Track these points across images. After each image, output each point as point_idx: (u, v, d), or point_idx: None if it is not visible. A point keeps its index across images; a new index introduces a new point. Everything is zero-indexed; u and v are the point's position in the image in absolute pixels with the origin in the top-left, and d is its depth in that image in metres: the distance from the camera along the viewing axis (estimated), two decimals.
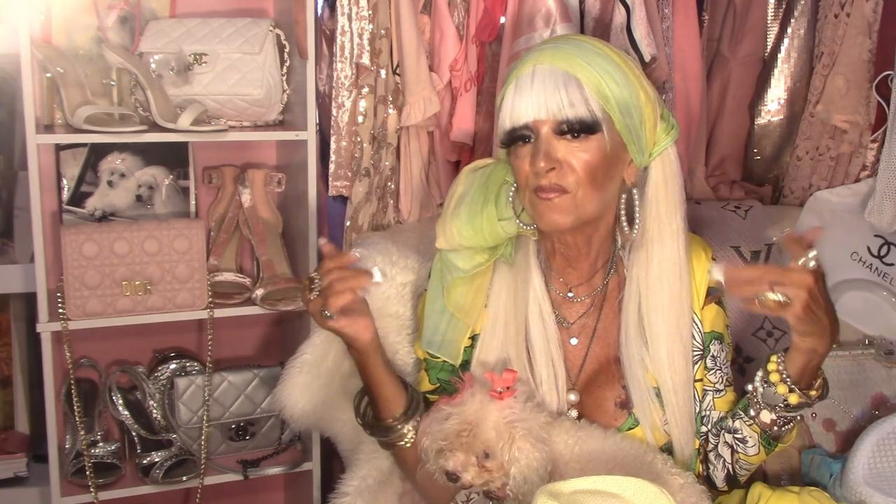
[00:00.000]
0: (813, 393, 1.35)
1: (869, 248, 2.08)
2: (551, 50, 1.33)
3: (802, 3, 2.14)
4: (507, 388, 1.32)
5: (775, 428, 1.37)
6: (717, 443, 1.46)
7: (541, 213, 1.34)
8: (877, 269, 2.06)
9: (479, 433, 1.31)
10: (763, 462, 1.44)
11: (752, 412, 1.38)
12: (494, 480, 1.33)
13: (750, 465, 1.44)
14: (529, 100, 1.31)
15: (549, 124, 1.31)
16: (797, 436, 1.86)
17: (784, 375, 1.33)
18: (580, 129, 1.31)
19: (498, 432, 1.30)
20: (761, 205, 2.15)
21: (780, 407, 1.35)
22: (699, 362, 1.46)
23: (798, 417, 1.38)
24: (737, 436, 1.41)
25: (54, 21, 1.99)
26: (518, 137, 1.34)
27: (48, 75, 1.92)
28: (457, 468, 1.32)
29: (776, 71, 2.18)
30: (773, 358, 1.35)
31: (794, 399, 1.34)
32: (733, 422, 1.42)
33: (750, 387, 1.39)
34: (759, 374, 1.37)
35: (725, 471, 1.45)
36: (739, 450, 1.42)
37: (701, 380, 1.47)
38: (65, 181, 2.07)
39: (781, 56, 2.17)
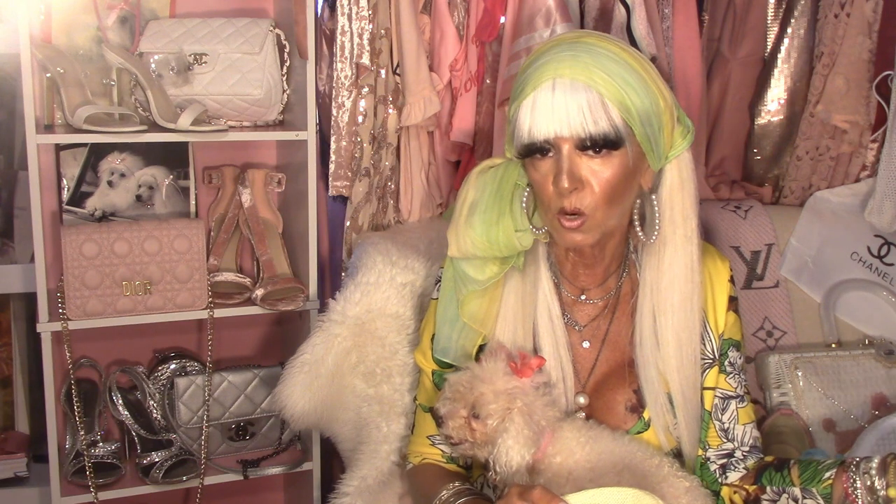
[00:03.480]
0: None
1: (869, 248, 2.08)
2: (570, 59, 1.27)
3: (802, 3, 2.14)
4: (529, 367, 1.32)
5: None
6: (778, 500, 1.40)
7: (563, 236, 1.33)
8: (877, 269, 2.06)
9: (475, 387, 1.32)
10: None
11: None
12: (475, 444, 1.33)
13: None
14: (550, 115, 1.27)
15: (571, 141, 1.27)
16: (797, 437, 1.87)
17: None
18: (603, 145, 1.27)
19: (495, 396, 1.31)
20: (761, 205, 2.15)
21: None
22: (708, 370, 1.44)
23: None
24: None
25: (54, 21, 1.99)
26: (536, 150, 1.30)
27: (48, 75, 1.92)
28: (445, 414, 1.34)
29: (776, 71, 2.18)
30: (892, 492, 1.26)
31: None
32: (805, 497, 1.35)
33: (847, 485, 1.30)
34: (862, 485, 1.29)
35: None
36: None
37: (713, 388, 1.45)
38: (65, 181, 2.07)
39: (781, 56, 2.17)
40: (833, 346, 2.01)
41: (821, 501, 1.33)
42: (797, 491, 1.36)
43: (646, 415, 1.41)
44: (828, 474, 1.32)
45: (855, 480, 1.29)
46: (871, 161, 2.14)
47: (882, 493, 1.25)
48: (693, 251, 1.40)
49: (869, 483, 1.27)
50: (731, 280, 1.48)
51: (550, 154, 1.30)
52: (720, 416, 1.45)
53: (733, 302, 1.47)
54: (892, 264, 2.05)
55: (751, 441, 1.46)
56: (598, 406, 1.43)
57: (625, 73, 1.27)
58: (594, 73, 1.26)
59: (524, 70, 1.33)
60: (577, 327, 1.45)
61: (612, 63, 1.27)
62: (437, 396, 1.48)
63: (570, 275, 1.46)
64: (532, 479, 1.31)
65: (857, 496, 1.28)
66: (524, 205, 1.39)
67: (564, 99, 1.26)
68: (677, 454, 1.43)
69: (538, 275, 1.44)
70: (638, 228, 1.39)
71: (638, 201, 1.39)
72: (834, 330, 2.05)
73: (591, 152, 1.28)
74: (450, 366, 1.49)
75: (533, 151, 1.31)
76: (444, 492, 1.39)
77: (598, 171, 1.29)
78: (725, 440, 1.45)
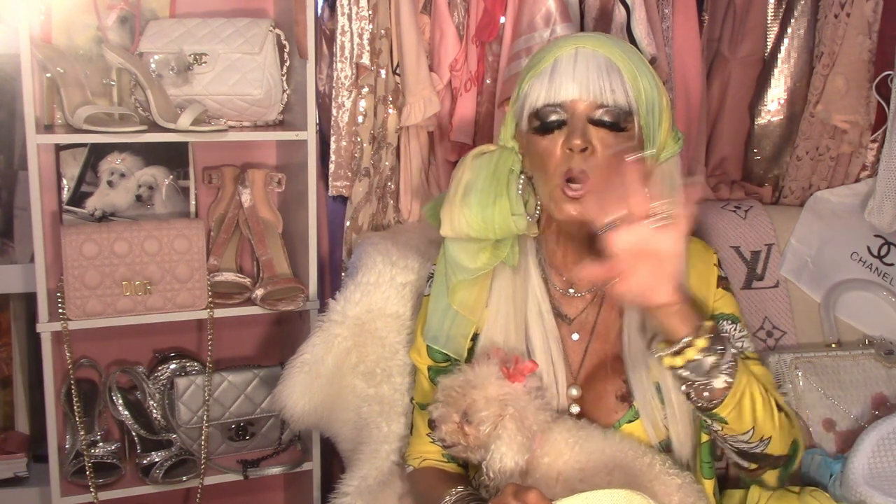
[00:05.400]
0: (700, 342, 1.24)
1: (869, 248, 2.07)
2: (592, 37, 1.36)
3: (802, 3, 2.14)
4: (520, 372, 1.32)
5: (704, 394, 1.27)
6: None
7: (563, 208, 1.35)
8: (877, 269, 2.06)
9: (468, 394, 1.33)
10: (750, 431, 1.33)
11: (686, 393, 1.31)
12: (468, 448, 1.34)
13: (735, 437, 1.35)
14: (571, 78, 1.32)
15: (587, 107, 1.33)
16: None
17: (662, 350, 1.26)
18: (613, 121, 1.32)
19: (487, 401, 1.31)
20: (761, 205, 2.15)
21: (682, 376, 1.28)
22: None
23: (704, 379, 1.27)
24: (700, 417, 1.37)
25: (54, 21, 1.99)
26: (548, 120, 1.34)
27: (48, 75, 1.92)
28: (437, 418, 1.35)
29: (776, 71, 2.18)
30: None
31: (668, 361, 1.26)
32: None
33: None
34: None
35: (733, 449, 1.40)
36: (713, 430, 1.36)
37: None
38: (65, 181, 2.07)
39: (781, 56, 2.17)
40: (833, 346, 2.01)
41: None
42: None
43: (636, 404, 1.42)
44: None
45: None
46: (871, 161, 2.14)
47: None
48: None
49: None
50: (718, 264, 1.50)
51: (560, 123, 1.34)
52: None
53: (723, 281, 1.49)
54: (892, 264, 2.05)
55: None
56: (590, 397, 1.44)
57: (638, 61, 1.36)
58: (614, 50, 1.34)
59: (540, 52, 1.39)
60: (566, 320, 1.47)
61: (628, 50, 1.37)
62: (433, 393, 1.49)
63: (560, 265, 1.48)
64: (523, 482, 1.32)
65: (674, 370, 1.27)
66: (520, 191, 1.43)
67: (586, 64, 1.32)
68: (669, 446, 1.43)
69: (527, 270, 1.46)
70: None
71: None
72: (834, 330, 2.05)
73: (599, 126, 1.33)
74: (445, 360, 1.49)
75: (544, 119, 1.34)
76: (448, 497, 1.40)
77: (607, 140, 1.33)
78: None
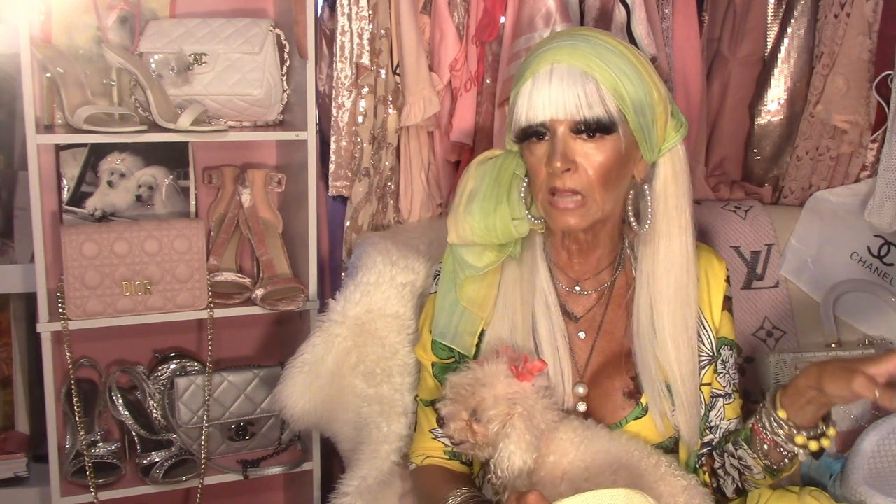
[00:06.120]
0: (831, 432, 1.33)
1: (869, 248, 2.07)
2: (569, 48, 1.32)
3: (802, 3, 2.14)
4: (529, 371, 1.33)
5: (785, 461, 1.37)
6: (724, 462, 1.45)
7: (555, 217, 1.36)
8: (877, 269, 2.06)
9: (477, 392, 1.33)
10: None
11: (761, 448, 1.37)
12: (476, 445, 1.34)
13: (759, 485, 1.44)
14: (547, 98, 1.31)
15: (566, 124, 1.32)
16: None
17: (795, 427, 1.32)
18: (596, 129, 1.31)
19: (495, 400, 1.32)
20: (761, 205, 2.15)
21: (787, 446, 1.34)
22: (707, 367, 1.46)
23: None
24: (742, 462, 1.41)
25: (54, 21, 1.99)
26: (532, 134, 1.35)
27: (48, 75, 1.92)
28: (446, 415, 1.36)
29: (776, 71, 2.18)
30: (782, 413, 1.33)
31: (814, 446, 1.33)
32: (736, 450, 1.41)
33: (757, 425, 1.37)
34: (766, 420, 1.35)
35: (735, 485, 1.45)
36: (746, 474, 1.42)
37: (709, 384, 1.47)
38: (65, 181, 2.07)
39: (781, 56, 2.17)
40: (833, 346, 2.01)
41: (744, 446, 1.39)
42: (731, 446, 1.43)
43: (643, 400, 1.43)
44: (749, 421, 1.39)
45: (761, 417, 1.36)
46: (871, 161, 2.14)
47: (776, 418, 1.33)
48: (688, 242, 1.43)
49: (766, 415, 1.35)
50: (727, 280, 1.50)
51: (546, 138, 1.34)
52: (708, 413, 1.47)
53: (727, 301, 1.50)
54: (892, 264, 2.05)
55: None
56: (596, 394, 1.45)
57: (620, 63, 1.32)
58: (591, 61, 1.31)
59: (524, 61, 1.38)
60: (572, 318, 1.47)
61: (608, 53, 1.32)
62: (438, 389, 1.49)
63: (565, 265, 1.49)
64: (529, 481, 1.32)
65: (763, 431, 1.35)
66: (522, 194, 1.43)
67: (561, 83, 1.31)
68: (676, 443, 1.45)
69: (535, 265, 1.47)
70: (632, 219, 1.42)
71: (631, 193, 1.42)
72: (834, 330, 2.04)
73: (584, 136, 1.32)
74: (449, 357, 1.50)
75: (529, 135, 1.35)
76: (452, 498, 1.40)
77: (592, 154, 1.33)
78: (710, 434, 1.48)
